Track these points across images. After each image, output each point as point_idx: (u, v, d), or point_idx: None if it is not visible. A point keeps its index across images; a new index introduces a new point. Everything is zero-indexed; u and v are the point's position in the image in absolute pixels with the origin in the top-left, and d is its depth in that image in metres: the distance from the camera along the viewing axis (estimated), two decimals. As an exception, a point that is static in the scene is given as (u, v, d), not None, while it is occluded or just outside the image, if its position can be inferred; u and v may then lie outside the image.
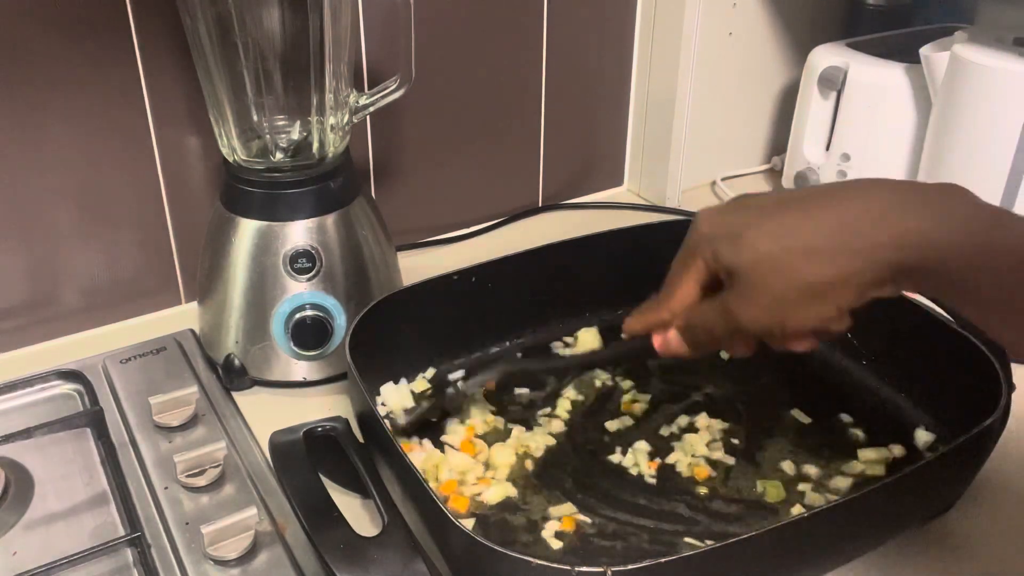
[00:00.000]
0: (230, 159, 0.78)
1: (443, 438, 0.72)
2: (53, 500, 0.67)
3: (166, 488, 0.67)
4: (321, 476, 0.62)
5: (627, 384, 0.78)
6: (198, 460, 0.68)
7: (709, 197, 1.13)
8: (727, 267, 0.52)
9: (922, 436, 0.70)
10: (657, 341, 0.58)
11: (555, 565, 0.50)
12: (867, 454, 0.69)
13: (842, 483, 0.67)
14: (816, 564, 0.60)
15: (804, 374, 0.78)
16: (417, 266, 0.87)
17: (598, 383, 0.78)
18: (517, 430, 0.73)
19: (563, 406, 0.76)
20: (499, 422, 0.74)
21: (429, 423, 0.74)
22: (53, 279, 0.84)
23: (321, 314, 0.76)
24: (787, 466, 0.69)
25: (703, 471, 0.69)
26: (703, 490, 0.67)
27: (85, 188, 0.83)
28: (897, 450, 0.70)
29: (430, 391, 0.77)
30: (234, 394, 0.78)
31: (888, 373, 0.76)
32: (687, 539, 0.63)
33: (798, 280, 0.49)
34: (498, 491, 0.67)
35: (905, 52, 0.97)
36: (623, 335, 0.60)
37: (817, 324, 0.51)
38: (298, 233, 0.76)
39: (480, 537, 0.52)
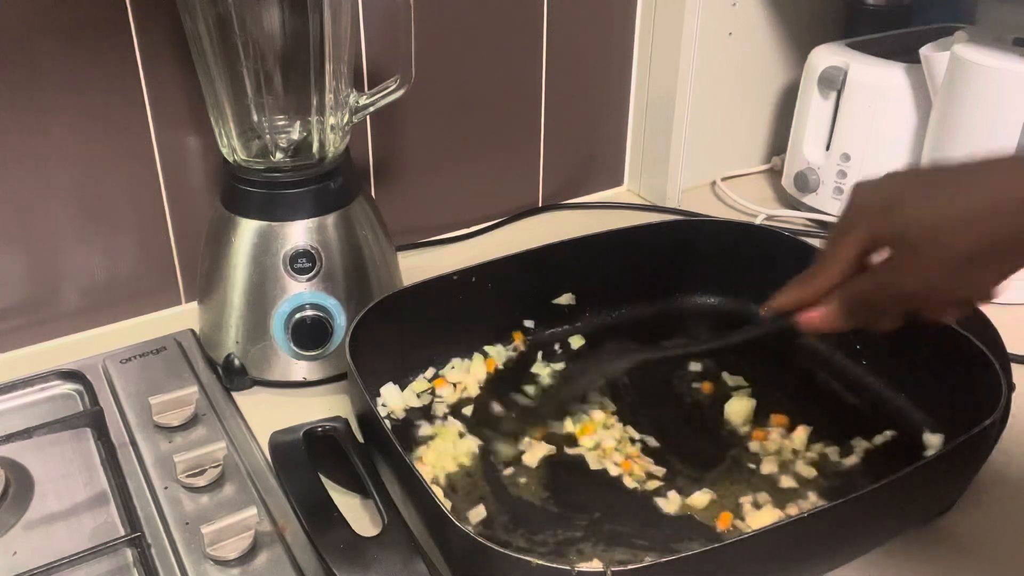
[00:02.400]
0: (230, 159, 0.78)
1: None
2: (53, 500, 0.67)
3: (166, 488, 0.67)
4: (321, 476, 0.62)
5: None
6: (198, 460, 0.68)
7: (709, 197, 1.13)
8: (894, 234, 0.53)
9: (923, 436, 0.70)
10: (807, 318, 0.59)
11: (555, 565, 0.50)
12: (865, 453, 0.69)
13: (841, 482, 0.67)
14: (817, 564, 0.60)
15: (804, 374, 0.78)
16: (417, 266, 0.87)
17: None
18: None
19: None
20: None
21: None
22: (53, 279, 0.84)
23: (321, 314, 0.76)
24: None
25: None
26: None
27: (85, 188, 0.83)
28: (896, 450, 0.70)
29: (430, 391, 0.77)
30: (234, 394, 0.78)
31: (888, 373, 0.76)
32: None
33: (962, 247, 0.51)
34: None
35: (905, 52, 0.97)
36: (762, 315, 0.61)
37: (977, 289, 0.54)
38: (298, 233, 0.76)
39: (480, 537, 0.52)
